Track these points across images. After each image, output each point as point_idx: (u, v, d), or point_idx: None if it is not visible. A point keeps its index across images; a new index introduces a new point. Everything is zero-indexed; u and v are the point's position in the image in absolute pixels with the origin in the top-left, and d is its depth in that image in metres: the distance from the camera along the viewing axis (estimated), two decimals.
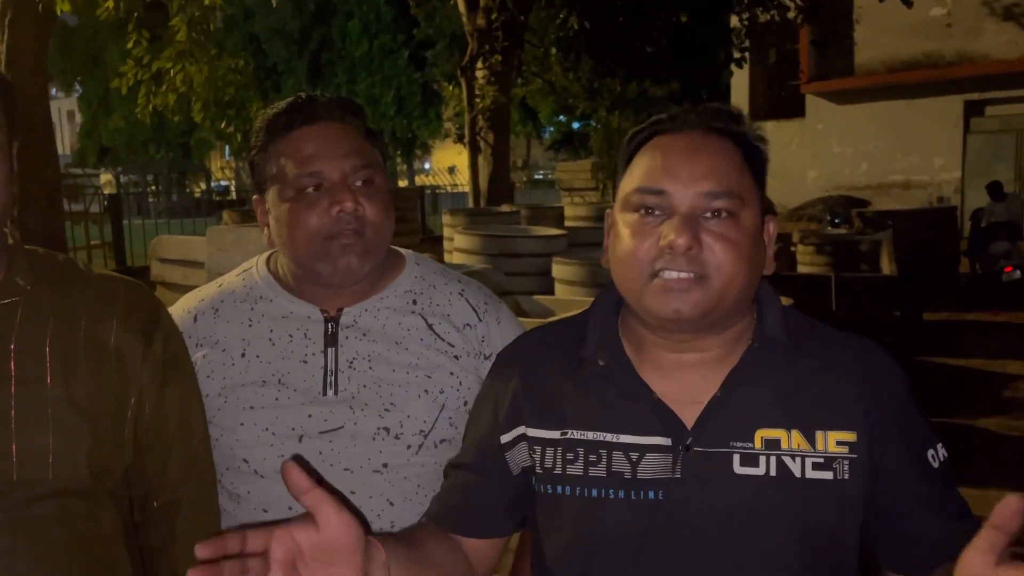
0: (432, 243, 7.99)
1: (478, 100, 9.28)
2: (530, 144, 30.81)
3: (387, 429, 1.19)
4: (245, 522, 1.20)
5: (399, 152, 31.07)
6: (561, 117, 20.79)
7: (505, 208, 7.96)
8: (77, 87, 33.18)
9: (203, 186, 34.36)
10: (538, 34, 9.99)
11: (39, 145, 5.23)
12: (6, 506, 0.92)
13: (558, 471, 1.00)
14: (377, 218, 1.19)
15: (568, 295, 4.61)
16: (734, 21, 10.19)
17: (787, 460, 0.94)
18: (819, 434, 0.95)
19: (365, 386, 1.20)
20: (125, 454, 1.04)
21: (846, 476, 0.94)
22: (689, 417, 0.96)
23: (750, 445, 0.95)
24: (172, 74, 6.80)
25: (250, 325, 1.24)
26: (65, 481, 0.96)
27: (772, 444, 0.94)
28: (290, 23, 27.93)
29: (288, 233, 1.20)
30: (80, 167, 29.88)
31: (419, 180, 33.63)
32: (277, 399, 1.19)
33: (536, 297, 4.43)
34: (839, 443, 0.95)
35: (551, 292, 4.79)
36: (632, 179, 0.97)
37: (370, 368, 1.21)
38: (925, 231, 9.32)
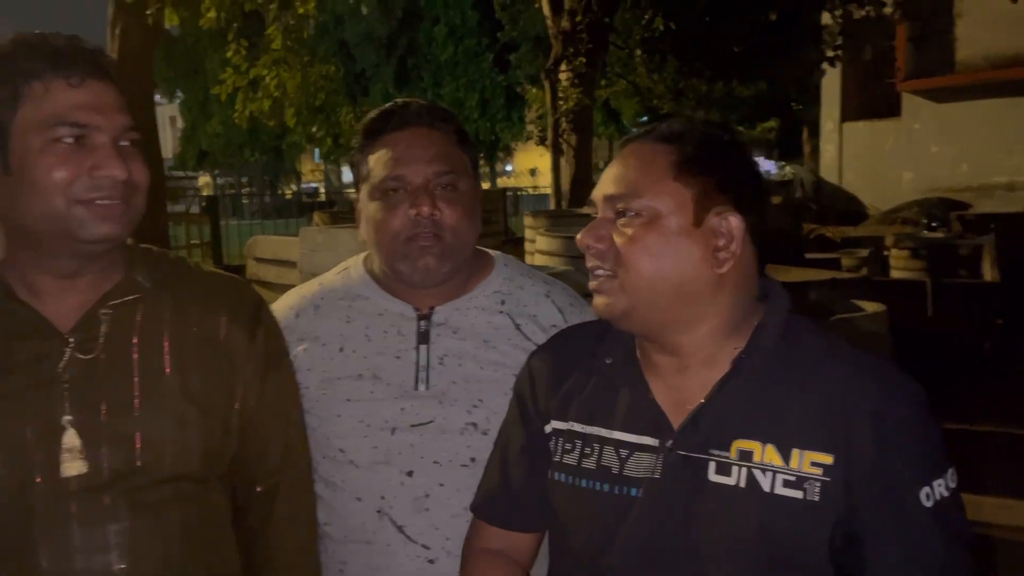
0: (513, 245, 8.06)
1: (561, 103, 9.32)
2: (612, 145, 30.63)
3: (475, 424, 1.24)
4: (339, 509, 1.27)
5: (482, 155, 31.42)
6: (644, 118, 20.62)
7: (587, 210, 7.95)
8: (179, 94, 34.80)
9: (294, 188, 35.55)
10: (623, 35, 9.95)
11: (145, 149, 5.55)
12: (129, 489, 1.00)
13: (557, 458, 1.06)
14: (456, 222, 1.24)
15: None
16: (826, 18, 9.91)
17: (757, 473, 0.94)
18: (795, 452, 0.93)
19: (454, 382, 1.26)
20: (232, 442, 1.11)
21: (816, 498, 0.92)
22: (677, 420, 0.98)
23: (726, 454, 0.95)
24: (267, 80, 7.09)
25: (348, 322, 1.31)
26: (181, 466, 1.04)
27: (746, 456, 0.95)
28: (378, 28, 28.56)
29: (374, 232, 1.26)
30: (180, 170, 31.36)
31: (501, 182, 33.91)
32: (372, 392, 1.25)
33: None
34: (814, 463, 0.93)
35: None
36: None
37: (459, 365, 1.26)
38: None
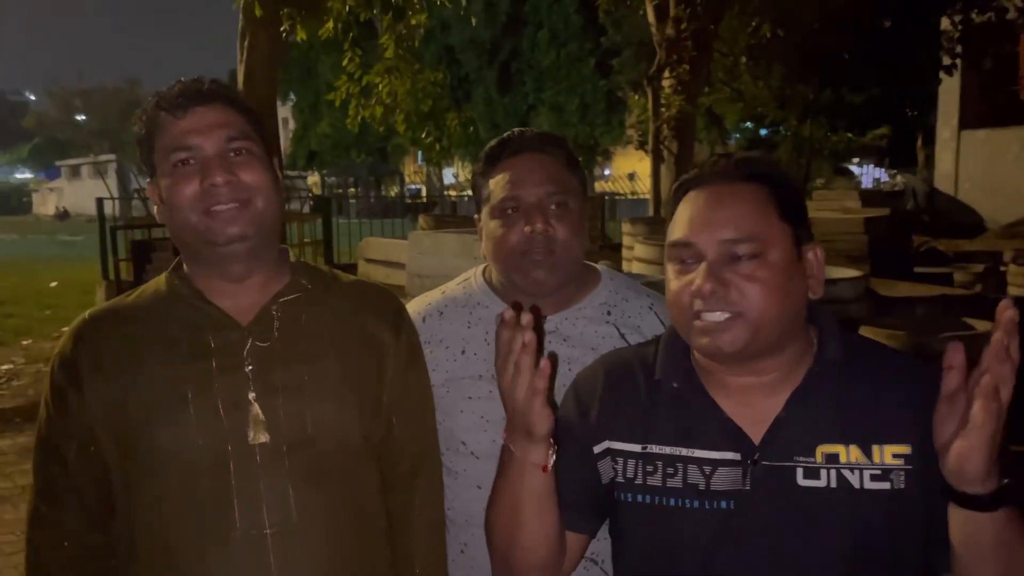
0: (611, 251, 8.10)
1: (664, 110, 9.31)
2: (714, 151, 30.11)
3: None
4: (461, 495, 1.41)
5: (581, 158, 31.44)
6: (748, 124, 20.20)
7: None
8: (291, 96, 36.34)
9: (397, 189, 36.54)
10: (728, 43, 9.84)
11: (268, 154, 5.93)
12: (302, 457, 1.17)
13: (639, 481, 1.12)
14: (566, 238, 1.37)
15: None
16: (945, 23, 9.52)
17: (846, 473, 1.03)
18: (875, 448, 1.03)
19: (564, 385, 1.36)
20: (381, 423, 1.27)
21: (902, 486, 1.02)
22: (756, 434, 1.06)
23: (812, 459, 1.04)
24: (380, 88, 7.41)
25: (469, 327, 1.45)
26: (343, 441, 1.21)
27: (832, 459, 1.04)
28: (483, 34, 29.01)
29: (493, 247, 1.40)
30: (292, 169, 32.77)
31: (598, 186, 33.83)
32: (491, 392, 1.38)
33: None
34: (895, 455, 1.03)
35: None
36: (672, 230, 1.08)
37: (569, 370, 1.37)
38: None
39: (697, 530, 1.07)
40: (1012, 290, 8.56)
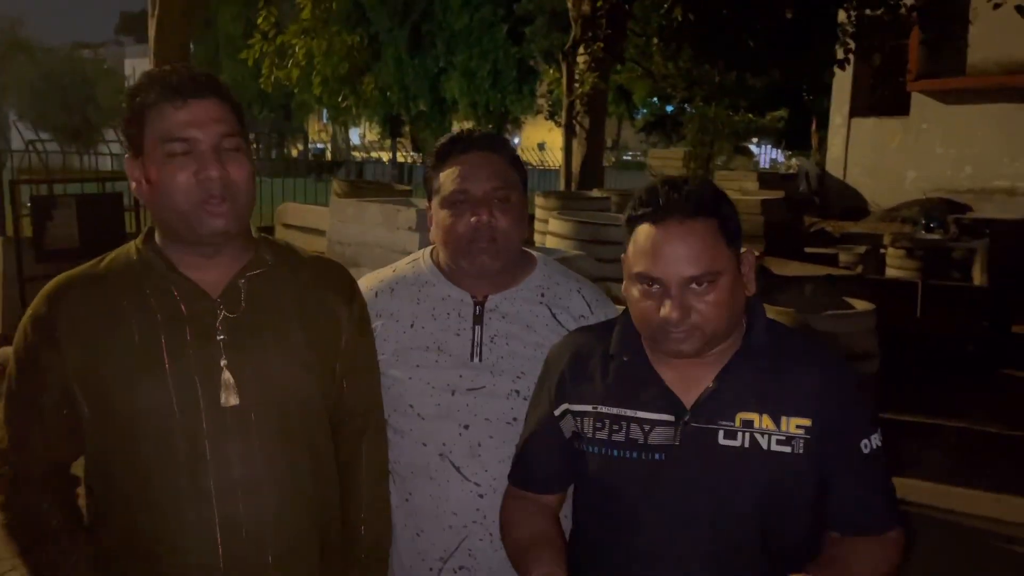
0: None
1: (577, 86, 9.49)
2: (621, 125, 30.66)
3: (518, 392, 1.54)
4: (407, 451, 1.56)
5: (491, 126, 31.41)
6: (655, 99, 20.66)
7: (596, 193, 8.19)
8: (190, 48, 34.67)
9: (300, 147, 35.56)
10: (641, 23, 10.09)
11: None
12: (267, 419, 1.29)
13: (590, 435, 1.34)
14: (508, 228, 1.53)
15: None
16: (842, 16, 10.03)
17: (758, 436, 1.26)
18: (783, 418, 1.26)
19: (502, 357, 1.55)
20: (335, 386, 1.41)
21: (801, 451, 1.26)
22: (688, 400, 1.29)
23: (731, 424, 1.27)
24: (297, 49, 7.28)
25: (417, 303, 1.60)
26: (305, 402, 1.34)
27: (747, 424, 1.27)
28: None
29: (443, 234, 1.55)
30: None
31: None
32: (437, 361, 1.55)
33: None
34: (798, 426, 1.26)
35: None
36: (635, 261, 1.27)
37: (507, 344, 1.55)
38: None
39: (633, 476, 1.28)
40: (890, 271, 9.24)
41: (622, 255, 1.33)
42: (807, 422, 1.26)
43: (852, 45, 9.63)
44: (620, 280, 4.71)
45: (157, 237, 1.34)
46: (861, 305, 4.60)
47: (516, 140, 37.12)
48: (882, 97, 14.83)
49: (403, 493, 1.58)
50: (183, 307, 1.29)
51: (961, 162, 13.75)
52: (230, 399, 1.27)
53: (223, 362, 1.27)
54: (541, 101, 24.56)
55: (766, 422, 1.26)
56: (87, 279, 1.32)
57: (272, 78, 7.73)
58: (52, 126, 31.04)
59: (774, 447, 1.26)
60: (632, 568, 1.30)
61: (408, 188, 8.22)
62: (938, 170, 13.86)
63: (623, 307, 1.41)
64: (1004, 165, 13.32)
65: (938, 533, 3.94)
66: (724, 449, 1.26)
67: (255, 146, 31.42)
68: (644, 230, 1.26)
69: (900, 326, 5.80)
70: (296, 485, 1.33)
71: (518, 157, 1.62)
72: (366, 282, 1.65)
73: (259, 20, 7.27)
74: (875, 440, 1.30)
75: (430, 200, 1.60)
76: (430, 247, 1.68)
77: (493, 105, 29.32)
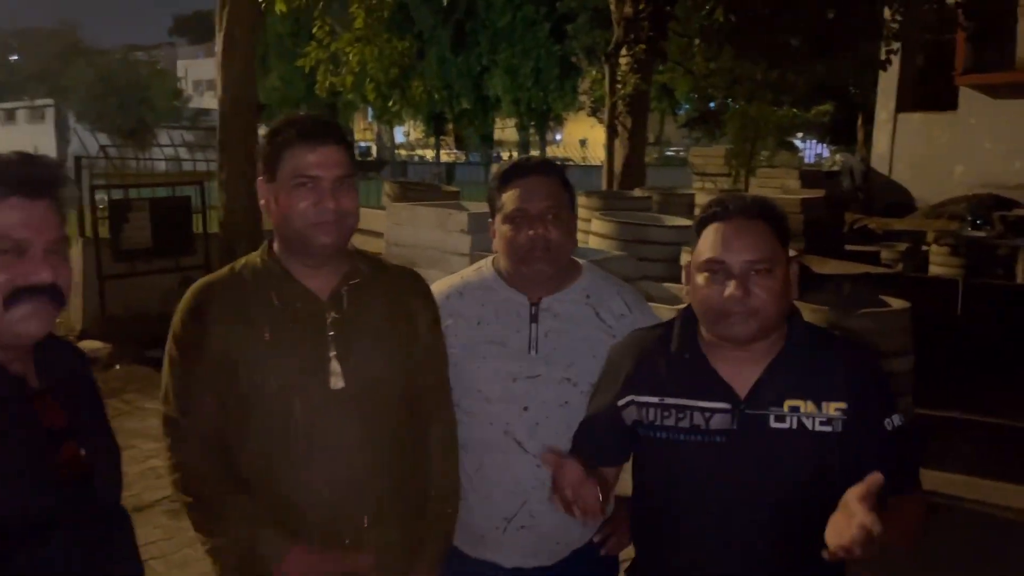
0: None
1: (620, 86, 9.67)
2: (664, 120, 30.61)
3: (568, 379, 1.81)
4: (476, 430, 1.83)
5: (533, 124, 31.62)
6: (694, 94, 20.61)
7: (638, 193, 8.36)
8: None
9: None
10: (682, 24, 10.22)
11: (247, 120, 6.13)
12: (363, 401, 1.58)
13: (658, 423, 1.56)
14: (560, 239, 1.80)
15: None
16: (887, 13, 10.01)
17: (804, 419, 1.49)
18: (824, 403, 1.48)
19: (555, 350, 1.82)
20: (414, 374, 1.69)
21: (840, 430, 1.48)
22: (742, 391, 1.52)
23: (780, 409, 1.50)
24: (350, 57, 7.61)
25: (482, 305, 1.87)
26: (392, 388, 1.63)
27: (794, 409, 1.49)
28: None
29: (505, 245, 1.83)
30: None
31: (550, 151, 34.11)
32: (500, 353, 1.83)
33: (665, 284, 4.92)
34: (836, 409, 1.49)
35: (678, 280, 5.23)
36: (702, 250, 1.51)
37: (558, 339, 1.83)
38: None
39: (699, 457, 1.52)
40: (933, 269, 9.24)
41: (685, 262, 1.59)
42: (844, 405, 1.48)
43: (895, 47, 9.62)
44: (659, 279, 5.03)
45: (276, 249, 1.64)
46: (897, 303, 4.74)
47: (558, 137, 37.24)
48: (929, 92, 14.65)
49: (475, 464, 1.85)
50: (300, 308, 1.59)
51: (1010, 157, 13.55)
52: (337, 383, 1.56)
53: (332, 353, 1.57)
54: (583, 98, 24.68)
55: (810, 407, 1.48)
56: (226, 280, 1.63)
57: (327, 84, 8.07)
58: (109, 128, 32.05)
59: (818, 427, 1.47)
60: (699, 540, 1.52)
61: (456, 190, 8.49)
62: (986, 165, 13.68)
63: (656, 304, 1.64)
64: None
65: (970, 524, 4.09)
66: (776, 431, 1.48)
67: None
68: (713, 227, 1.51)
69: (938, 324, 5.88)
70: (383, 453, 1.61)
71: (568, 180, 1.88)
72: (439, 287, 1.93)
73: (315, 29, 7.61)
74: (896, 420, 1.50)
75: (493, 216, 1.87)
76: (491, 256, 1.95)
77: (535, 103, 29.53)
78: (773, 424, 1.49)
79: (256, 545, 1.54)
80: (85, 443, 1.26)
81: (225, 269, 1.67)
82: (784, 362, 1.52)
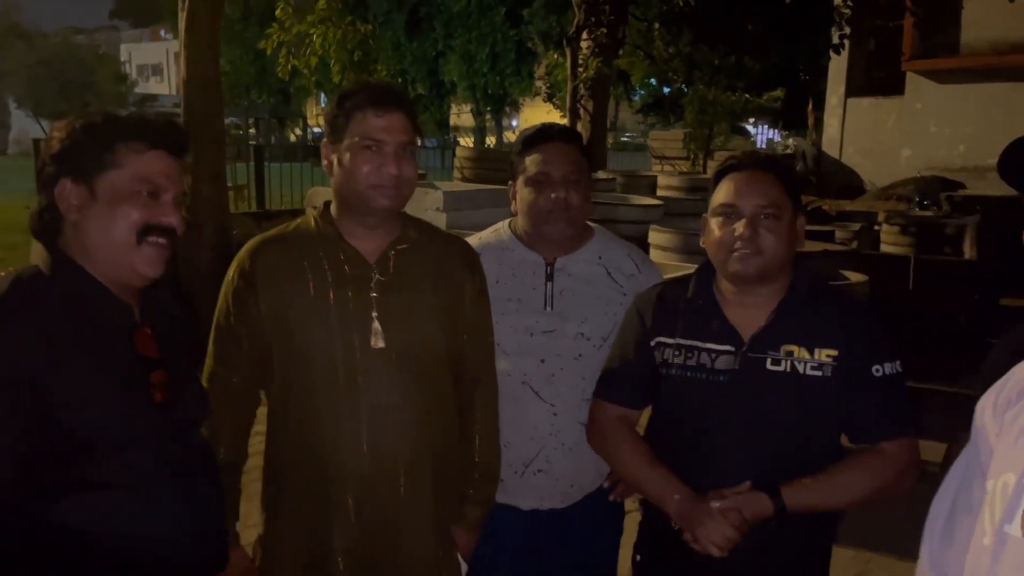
0: None
1: (581, 70, 9.77)
2: (619, 106, 30.84)
3: (582, 334, 1.91)
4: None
5: (489, 109, 31.56)
6: (652, 81, 20.86)
7: (602, 175, 8.49)
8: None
9: (299, 132, 35.64)
10: (642, 8, 10.36)
11: (212, 102, 6.07)
12: (410, 360, 1.64)
13: (672, 361, 1.69)
14: (579, 202, 1.90)
15: (662, 260, 5.19)
16: (838, 0, 10.27)
17: (796, 363, 1.61)
18: (817, 350, 1.61)
19: (569, 306, 1.93)
20: (457, 341, 1.75)
21: (830, 375, 1.61)
22: (746, 335, 1.65)
23: (777, 354, 1.63)
24: (315, 38, 7.55)
25: (500, 264, 1.96)
26: (433, 351, 1.68)
27: (789, 354, 1.62)
28: None
29: (526, 207, 1.92)
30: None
31: (507, 137, 34.12)
32: (518, 310, 1.92)
33: None
34: (827, 356, 1.62)
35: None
36: (718, 197, 1.65)
37: (572, 296, 1.93)
38: (1014, 218, 9.34)
39: (704, 393, 1.65)
40: (884, 247, 9.55)
41: (704, 214, 1.70)
42: (835, 352, 1.60)
43: (847, 30, 9.89)
44: None
45: (333, 210, 1.69)
46: (856, 277, 4.93)
47: (515, 122, 37.25)
48: (877, 77, 15.04)
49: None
50: (347, 269, 1.64)
51: (955, 141, 14.00)
52: (378, 343, 1.62)
53: (374, 314, 1.63)
54: (540, 83, 24.71)
55: (804, 353, 1.61)
56: (278, 240, 1.68)
57: (289, 66, 8.00)
58: (51, 113, 31.12)
59: (808, 371, 1.60)
60: (702, 466, 1.63)
61: (422, 171, 8.49)
62: (932, 149, 14.11)
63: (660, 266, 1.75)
64: (997, 143, 13.20)
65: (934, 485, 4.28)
66: (771, 373, 1.61)
67: (253, 131, 31.60)
68: (728, 177, 1.65)
69: (893, 298, 6.12)
70: (425, 414, 1.66)
71: (587, 148, 1.98)
72: None
73: (277, 11, 7.53)
74: (887, 367, 1.60)
75: (514, 179, 1.95)
76: (507, 220, 2.04)
77: (492, 88, 29.47)
78: (769, 367, 1.61)
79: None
80: (172, 373, 1.38)
81: (278, 228, 1.74)
82: (785, 309, 1.64)
